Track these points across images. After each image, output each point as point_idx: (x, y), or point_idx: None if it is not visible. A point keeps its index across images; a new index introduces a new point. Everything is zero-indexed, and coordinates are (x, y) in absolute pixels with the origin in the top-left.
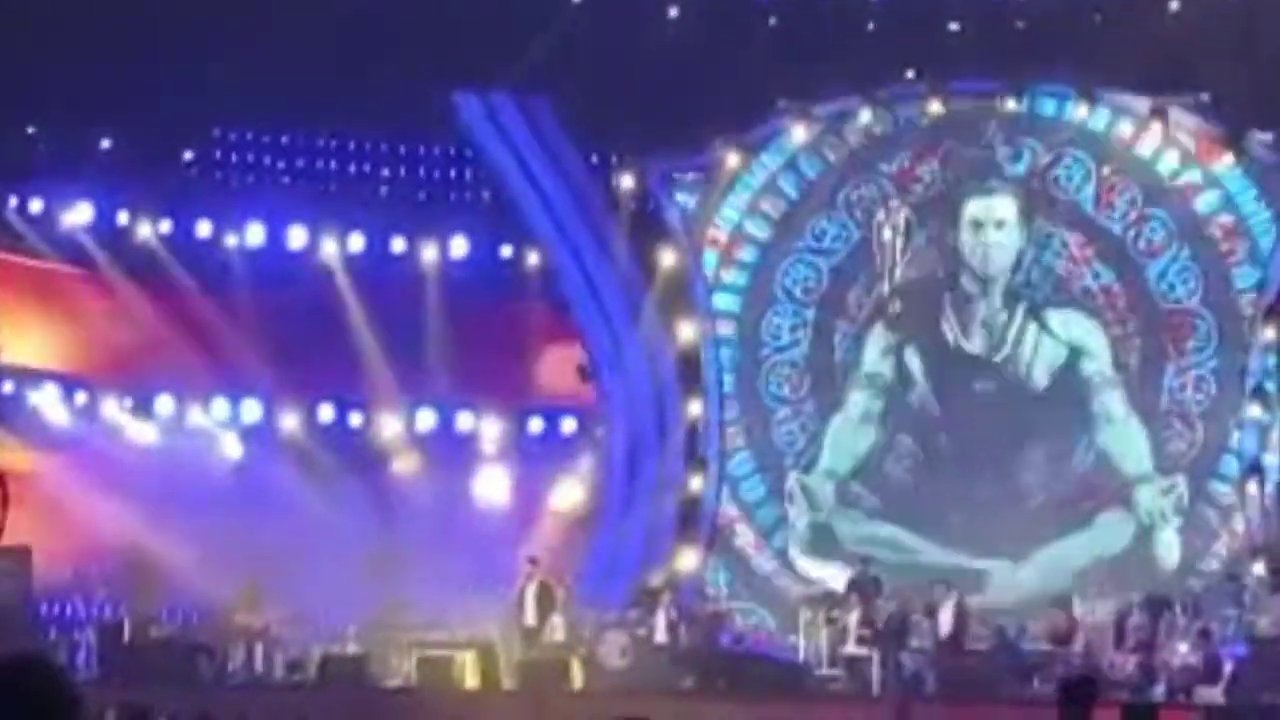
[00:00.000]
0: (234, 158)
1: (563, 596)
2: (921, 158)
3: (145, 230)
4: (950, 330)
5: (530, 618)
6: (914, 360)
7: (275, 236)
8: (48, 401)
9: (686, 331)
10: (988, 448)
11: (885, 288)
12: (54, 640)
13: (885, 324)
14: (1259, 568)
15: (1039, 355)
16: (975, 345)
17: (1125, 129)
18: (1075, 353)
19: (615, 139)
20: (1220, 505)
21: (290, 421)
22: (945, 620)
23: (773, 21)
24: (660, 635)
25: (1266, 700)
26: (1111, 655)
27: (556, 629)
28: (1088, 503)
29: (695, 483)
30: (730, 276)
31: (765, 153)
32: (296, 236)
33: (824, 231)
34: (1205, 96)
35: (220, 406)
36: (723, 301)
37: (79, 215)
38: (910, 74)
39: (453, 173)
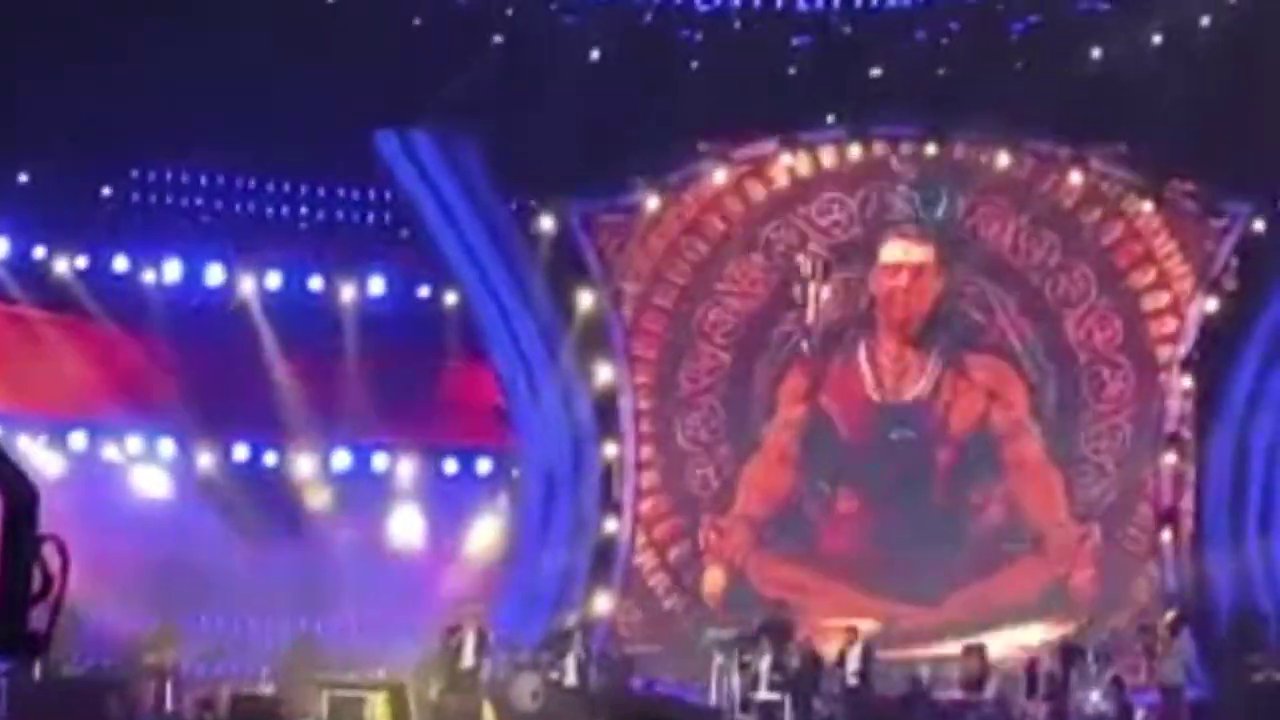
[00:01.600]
0: (152, 194)
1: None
2: (841, 202)
3: (62, 265)
4: (867, 374)
5: (469, 660)
6: (831, 404)
7: (192, 273)
8: None
9: (604, 373)
10: (903, 492)
11: (803, 331)
12: None
13: (802, 367)
14: (1171, 616)
15: (955, 401)
16: (892, 390)
17: (1045, 177)
18: (991, 399)
19: (535, 180)
20: (1134, 553)
21: (205, 459)
22: (853, 666)
23: (694, 64)
24: (570, 678)
25: None
26: (1024, 703)
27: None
28: (1002, 549)
29: (610, 525)
30: (648, 318)
31: (686, 195)
32: (214, 274)
33: (743, 274)
34: (1123, 147)
35: (134, 443)
36: (640, 343)
37: None
38: (831, 118)
39: (371, 211)
